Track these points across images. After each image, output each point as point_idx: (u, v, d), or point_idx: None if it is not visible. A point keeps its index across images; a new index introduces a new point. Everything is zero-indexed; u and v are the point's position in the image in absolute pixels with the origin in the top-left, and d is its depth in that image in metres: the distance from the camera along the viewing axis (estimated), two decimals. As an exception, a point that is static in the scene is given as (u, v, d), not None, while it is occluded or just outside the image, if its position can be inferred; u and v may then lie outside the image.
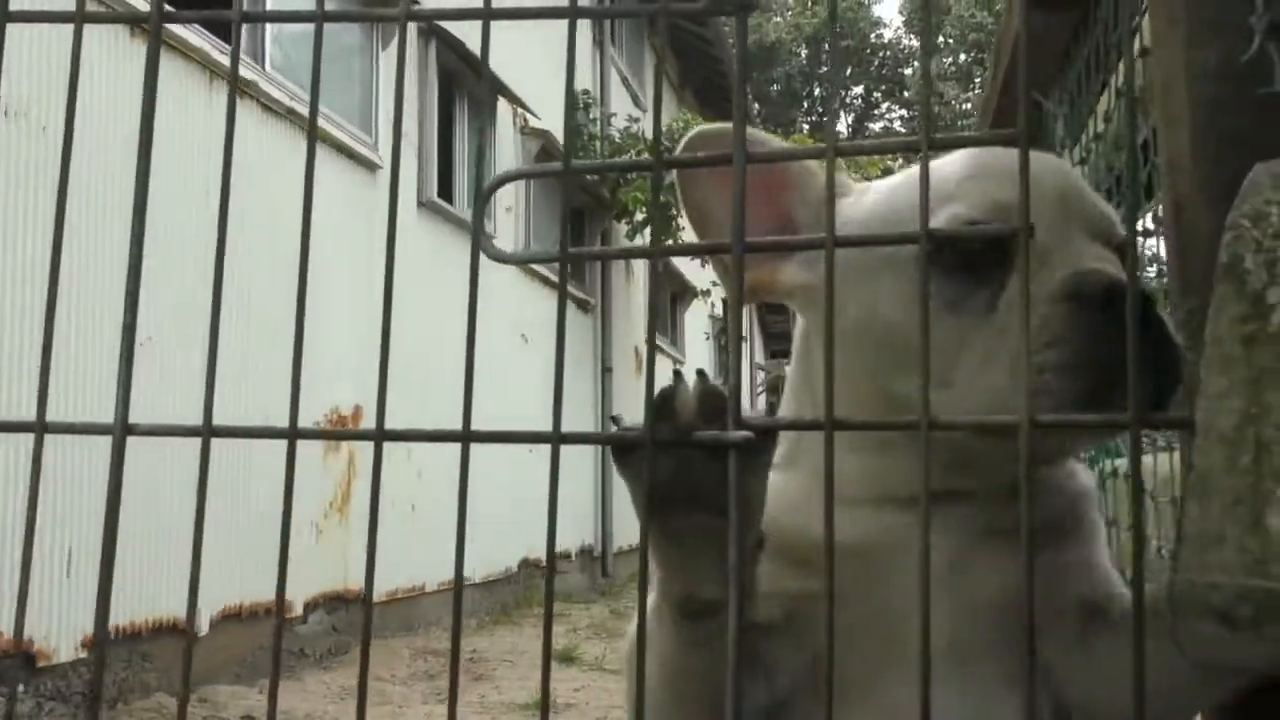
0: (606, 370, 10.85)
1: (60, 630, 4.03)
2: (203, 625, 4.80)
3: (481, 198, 0.77)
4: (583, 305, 10.61)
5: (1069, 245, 0.88)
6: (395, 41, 6.77)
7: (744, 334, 16.39)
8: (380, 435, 0.78)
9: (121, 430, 0.74)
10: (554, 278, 9.47)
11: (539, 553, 8.72)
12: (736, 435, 0.69)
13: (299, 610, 5.58)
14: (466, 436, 0.76)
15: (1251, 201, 0.67)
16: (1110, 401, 0.78)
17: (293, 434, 0.74)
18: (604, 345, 10.96)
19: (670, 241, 11.03)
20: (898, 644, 0.92)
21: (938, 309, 0.88)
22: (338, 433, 0.78)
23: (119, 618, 4.31)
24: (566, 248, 0.73)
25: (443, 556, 6.89)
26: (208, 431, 0.74)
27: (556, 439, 0.73)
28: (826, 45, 33.40)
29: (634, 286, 12.10)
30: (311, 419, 5.62)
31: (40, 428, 0.73)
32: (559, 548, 9.46)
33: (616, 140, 10.93)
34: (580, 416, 10.14)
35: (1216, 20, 0.76)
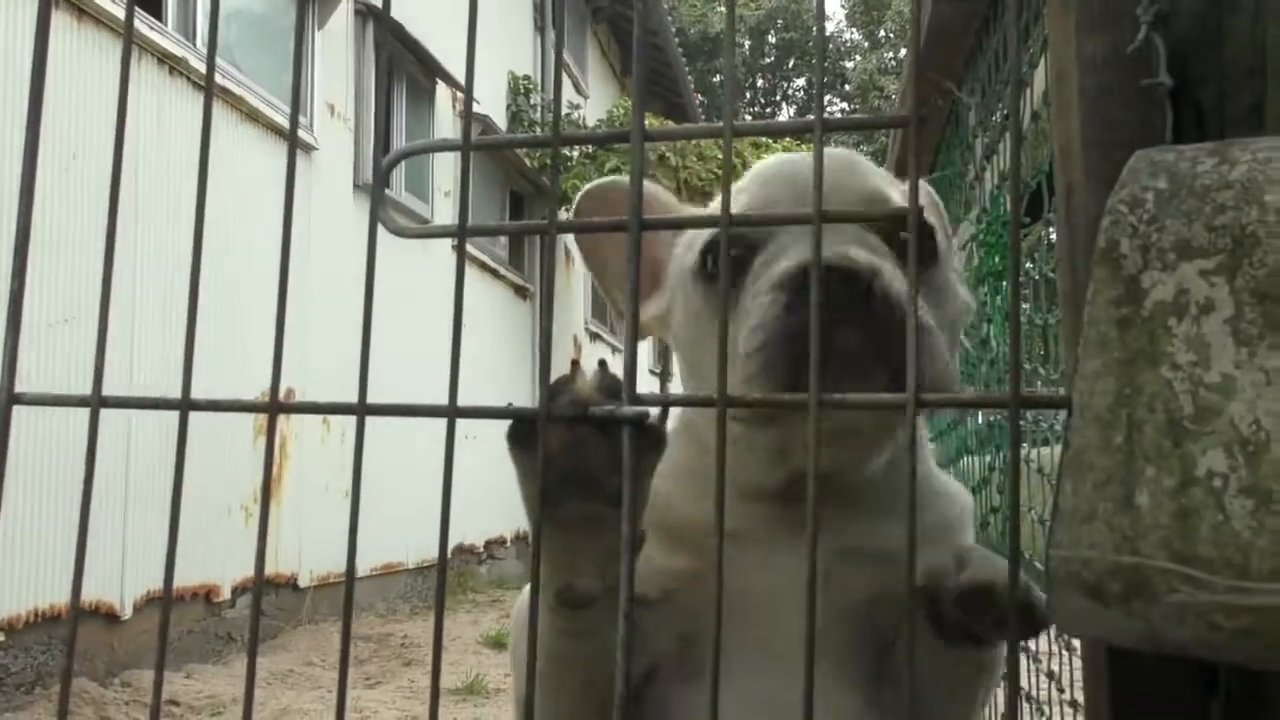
0: (545, 358, 10.81)
1: (-23, 613, 3.95)
2: (126, 609, 4.73)
3: (380, 173, 0.77)
4: (521, 292, 10.56)
5: (806, 235, 0.90)
6: (331, 22, 6.69)
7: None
8: (363, 410, 0.78)
9: (7, 399, 0.73)
10: (493, 264, 9.43)
11: (473, 538, 8.68)
12: (630, 410, 0.69)
13: (227, 594, 5.51)
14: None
15: (1129, 188, 0.69)
16: (799, 387, 0.80)
17: (185, 405, 0.74)
18: (542, 334, 10.91)
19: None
20: (759, 634, 0.95)
21: (711, 313, 0.97)
22: (318, 405, 0.77)
23: (38, 601, 4.23)
24: (465, 224, 0.73)
25: (376, 541, 6.85)
26: (97, 402, 0.73)
27: (452, 413, 0.74)
28: (768, 36, 33.55)
29: (573, 274, 12.08)
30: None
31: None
32: (494, 534, 9.43)
33: (562, 127, 10.88)
34: (519, 403, 10.10)
35: (1105, 11, 0.78)
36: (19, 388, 0.74)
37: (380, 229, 0.72)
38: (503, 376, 9.37)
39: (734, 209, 0.99)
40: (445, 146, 0.76)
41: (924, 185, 1.10)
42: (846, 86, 33.88)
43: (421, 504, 7.17)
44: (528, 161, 10.39)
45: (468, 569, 8.58)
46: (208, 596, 5.34)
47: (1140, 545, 0.65)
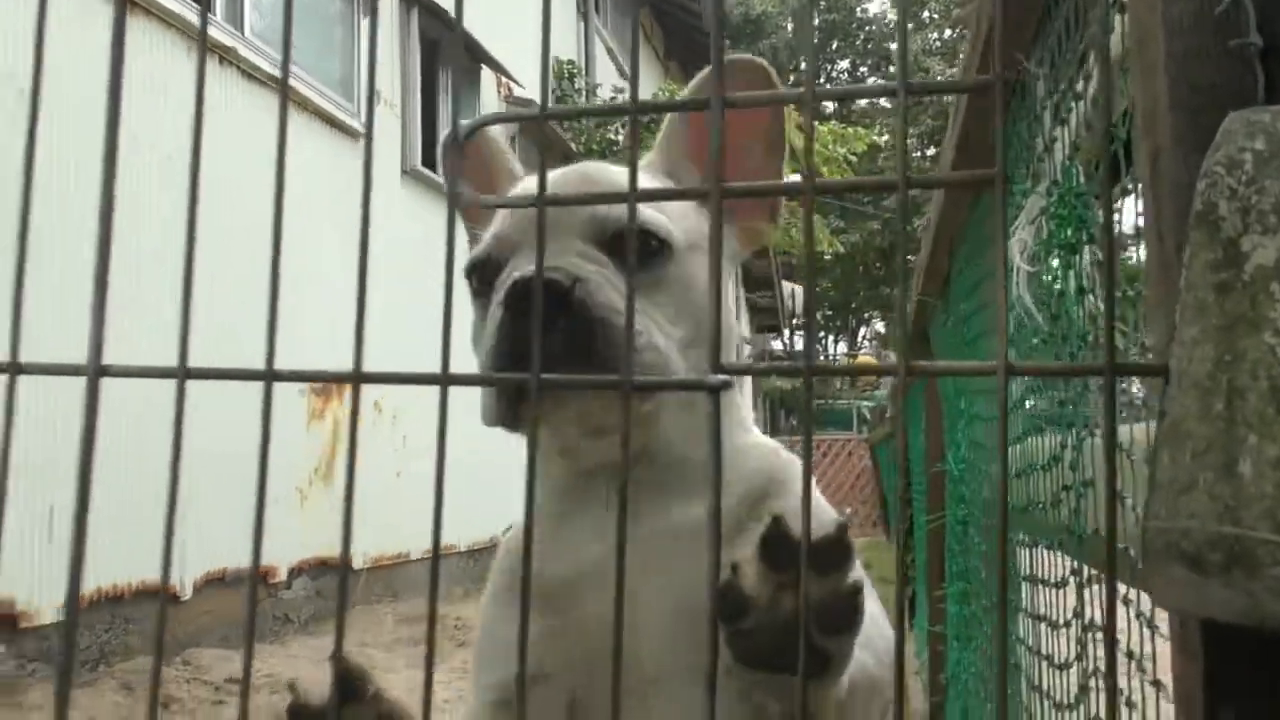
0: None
1: (42, 591, 4.03)
2: (186, 590, 4.81)
3: (457, 145, 0.76)
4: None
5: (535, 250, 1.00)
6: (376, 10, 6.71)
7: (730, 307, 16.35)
8: (358, 378, 0.78)
9: (95, 371, 0.74)
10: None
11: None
12: (715, 379, 0.69)
13: (283, 576, 5.58)
14: (357, 378, 0.76)
15: (1226, 149, 0.67)
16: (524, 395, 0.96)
17: (269, 376, 0.74)
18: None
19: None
20: (634, 671, 0.99)
21: (480, 325, 1.09)
22: (313, 374, 0.77)
23: (101, 580, 4.31)
24: (543, 195, 0.73)
25: (428, 524, 6.89)
26: (183, 374, 0.74)
27: (445, 380, 0.74)
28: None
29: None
30: (295, 387, 5.61)
31: (13, 369, 0.72)
32: (543, 517, 9.46)
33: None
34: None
35: (1194, -29, 0.76)
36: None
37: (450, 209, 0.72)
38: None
39: (490, 233, 1.12)
40: (522, 116, 0.75)
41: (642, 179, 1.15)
42: (891, 68, 33.51)
43: (474, 487, 7.21)
44: (574, 145, 10.39)
45: (517, 552, 8.63)
46: (265, 578, 5.42)
47: (1243, 515, 0.63)
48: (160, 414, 4.48)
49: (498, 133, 1.30)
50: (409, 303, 6.47)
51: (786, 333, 25.93)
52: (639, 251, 1.06)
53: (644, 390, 0.68)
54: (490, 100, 8.82)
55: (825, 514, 1.04)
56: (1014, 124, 1.48)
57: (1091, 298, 1.10)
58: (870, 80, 35.91)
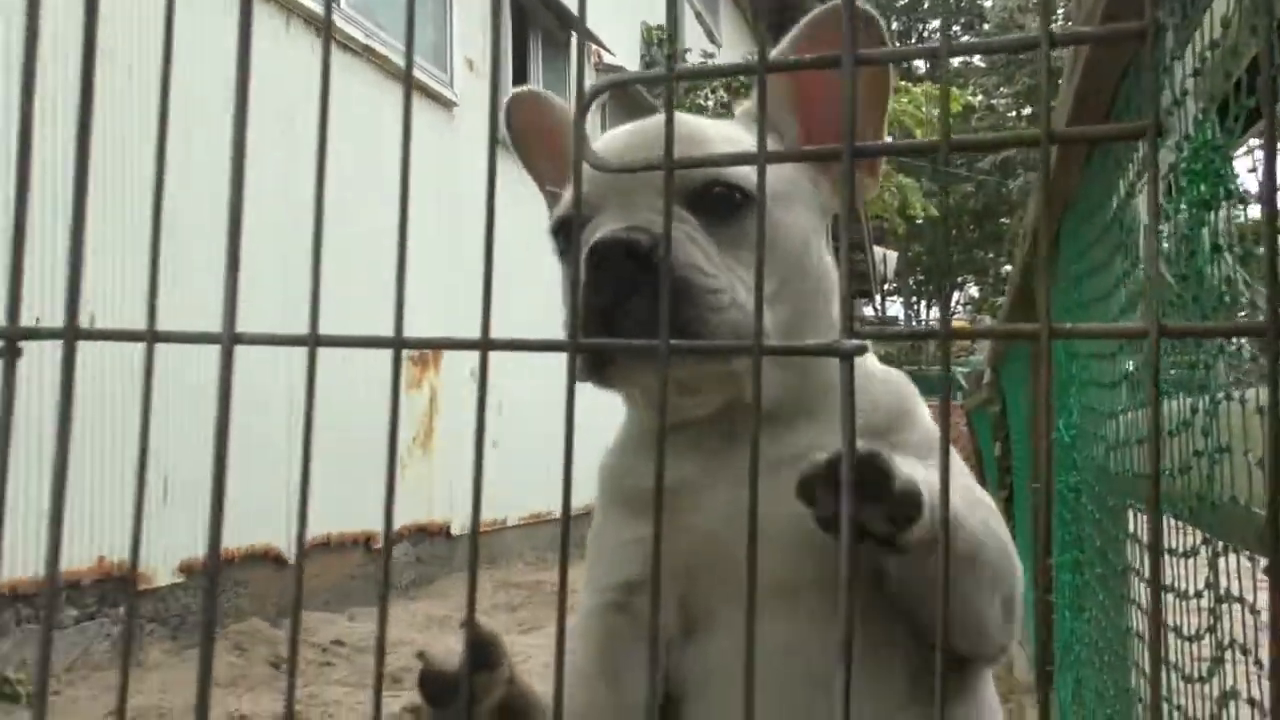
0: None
1: (159, 555, 4.16)
2: (292, 554, 4.93)
3: (583, 107, 0.76)
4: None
5: (620, 209, 1.01)
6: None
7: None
8: (399, 343, 0.78)
9: (229, 339, 0.75)
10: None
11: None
12: (849, 344, 0.67)
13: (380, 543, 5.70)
14: (485, 345, 0.76)
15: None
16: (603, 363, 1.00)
17: (399, 343, 0.75)
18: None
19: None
20: (737, 578, 0.97)
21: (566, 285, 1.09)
22: (437, 341, 0.78)
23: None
24: (671, 156, 0.72)
25: (524, 491, 6.98)
26: (314, 341, 0.75)
27: (573, 348, 0.73)
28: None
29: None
30: (391, 356, 5.69)
31: (150, 336, 0.74)
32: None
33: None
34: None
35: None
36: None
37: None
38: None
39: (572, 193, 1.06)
40: (651, 77, 0.74)
41: (733, 131, 1.12)
42: (985, 25, 32.77)
43: (562, 454, 7.24)
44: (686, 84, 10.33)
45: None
46: (367, 543, 5.53)
47: None
48: (257, 382, 4.59)
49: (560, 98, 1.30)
50: (499, 273, 6.52)
51: (878, 298, 25.62)
52: (720, 204, 1.05)
53: (773, 354, 0.67)
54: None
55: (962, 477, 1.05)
56: (1135, 75, 1.42)
57: (1228, 257, 1.06)
58: (966, 38, 35.04)
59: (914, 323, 32.58)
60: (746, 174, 1.05)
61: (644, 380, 1.06)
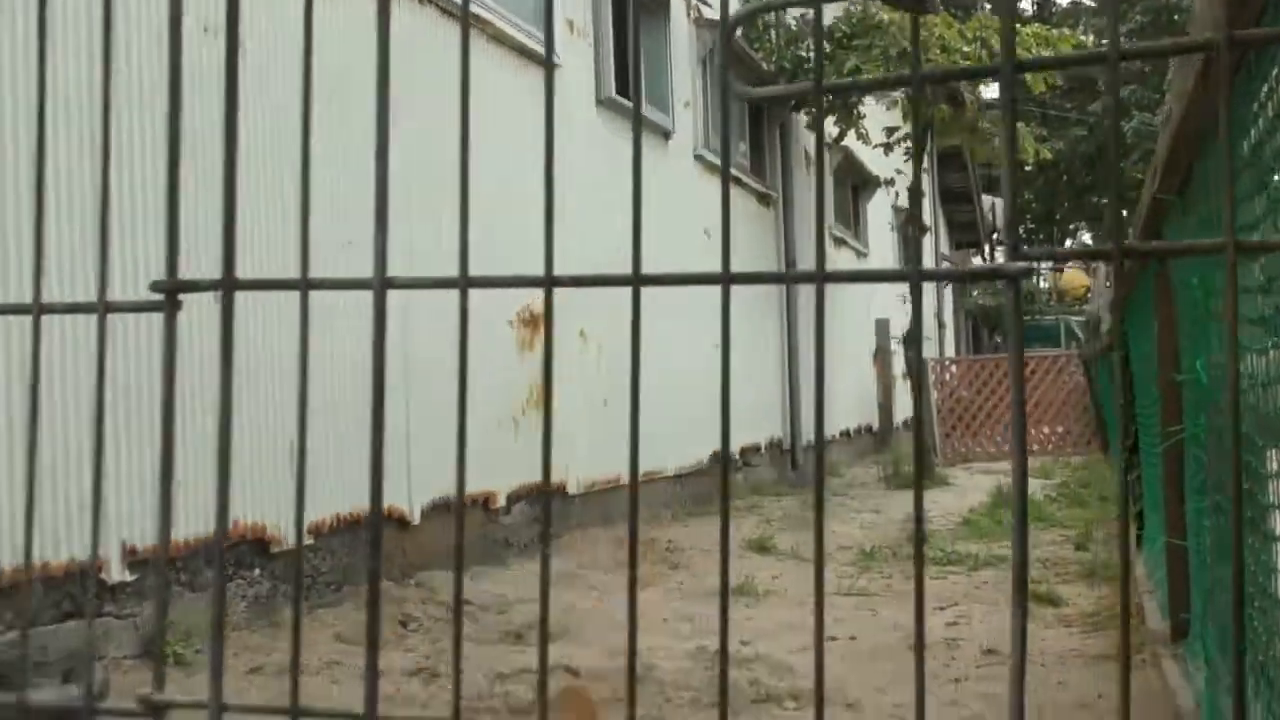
0: (790, 264, 10.73)
1: (290, 517, 4.30)
2: (415, 515, 5.05)
3: (725, 35, 0.74)
4: (764, 199, 10.46)
5: None
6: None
7: (927, 224, 15.91)
8: (549, 281, 0.78)
9: (381, 284, 0.76)
10: (735, 172, 9.36)
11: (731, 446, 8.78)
12: (1016, 265, 0.65)
13: (502, 502, 5.79)
14: (637, 280, 0.75)
15: None
16: None
17: (550, 281, 0.75)
18: (786, 240, 10.83)
19: (853, 131, 10.55)
20: None
21: None
22: (587, 278, 0.77)
23: (340, 507, 4.57)
24: (821, 80, 0.70)
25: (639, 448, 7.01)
26: (464, 282, 0.75)
27: (726, 279, 0.72)
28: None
29: (812, 176, 11.87)
30: (504, 317, 5.76)
31: (304, 284, 0.75)
32: (749, 440, 9.51)
33: (793, 29, 10.64)
34: (763, 314, 10.09)
35: None
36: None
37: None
38: (746, 288, 9.33)
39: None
40: (793, 1, 0.73)
41: None
42: (1139, 17, 31.10)
43: (680, 413, 7.29)
44: (765, 65, 10.21)
45: (723, 476, 8.69)
46: (486, 504, 5.63)
47: None
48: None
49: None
50: (602, 234, 6.54)
51: (987, 248, 25.06)
52: None
53: (932, 279, 0.65)
54: (680, 26, 8.74)
55: None
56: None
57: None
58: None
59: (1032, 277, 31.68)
60: None
61: None
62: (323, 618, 4.39)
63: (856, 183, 14.05)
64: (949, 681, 3.42)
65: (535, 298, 5.99)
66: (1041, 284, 29.22)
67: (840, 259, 12.85)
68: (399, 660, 3.87)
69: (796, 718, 3.19)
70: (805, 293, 10.77)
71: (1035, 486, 9.11)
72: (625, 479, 7.22)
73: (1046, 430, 13.16)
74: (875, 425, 13.98)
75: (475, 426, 5.12)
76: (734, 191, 9.00)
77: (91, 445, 3.60)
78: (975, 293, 24.35)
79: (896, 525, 7.29)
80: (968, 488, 9.77)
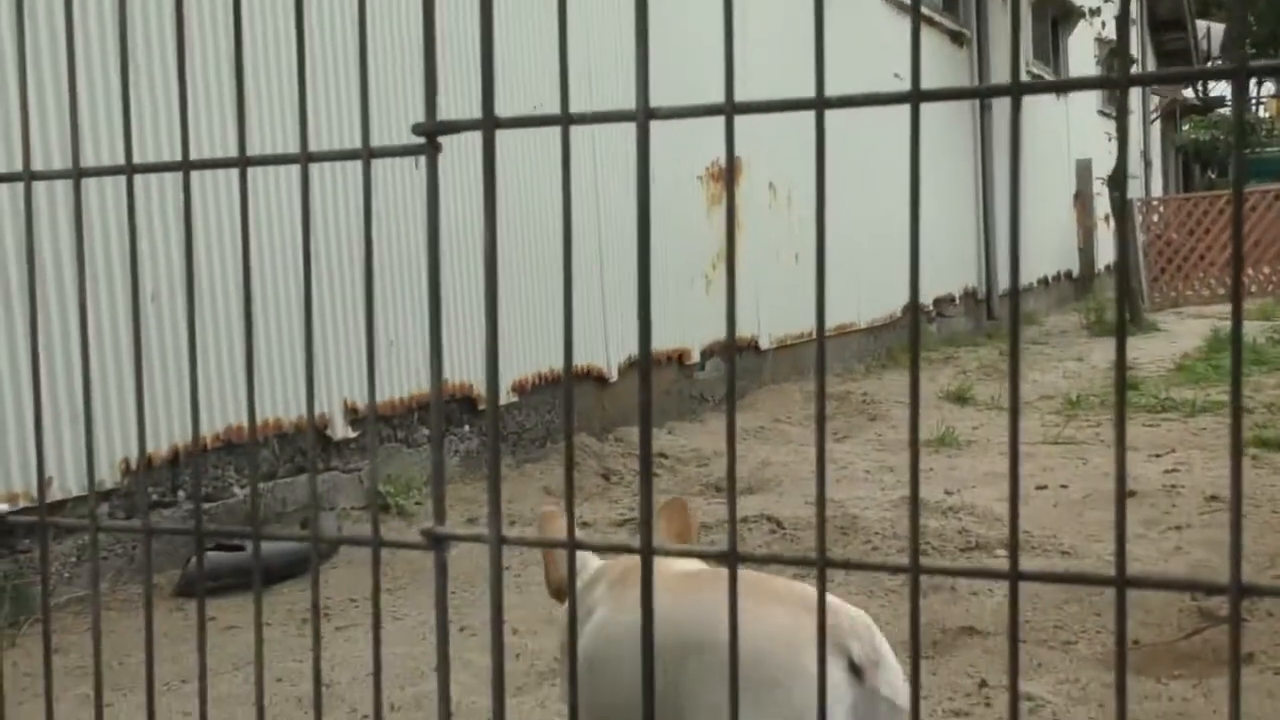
0: (985, 108, 10.25)
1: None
2: (613, 373, 5.16)
3: None
4: (957, 38, 9.96)
5: None
6: None
7: (1134, 55, 14.87)
8: (645, 115, 0.75)
9: (645, 115, 0.74)
10: (926, 11, 8.92)
11: (921, 298, 8.60)
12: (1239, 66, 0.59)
13: (696, 358, 5.85)
14: (821, 104, 0.71)
15: None
16: None
17: (730, 109, 0.72)
18: (981, 80, 10.32)
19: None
20: None
21: None
22: (776, 102, 0.74)
23: (541, 365, 4.71)
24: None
25: (830, 303, 6.93)
26: (644, 116, 0.73)
27: (916, 97, 0.67)
28: None
29: (1006, 14, 11.19)
30: (693, 172, 5.72)
31: (565, 120, 0.74)
32: (943, 290, 9.28)
33: None
34: (959, 155, 9.71)
35: None
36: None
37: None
38: (934, 120, 8.99)
39: None
40: None
41: None
42: None
43: (872, 265, 7.15)
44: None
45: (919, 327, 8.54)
46: (679, 360, 5.70)
47: None
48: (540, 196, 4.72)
49: None
50: (795, 85, 6.36)
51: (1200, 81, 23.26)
52: None
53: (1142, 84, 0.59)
54: None
55: None
56: None
57: None
58: None
59: (1251, 106, 29.45)
60: None
61: None
62: (529, 472, 4.57)
63: (1056, 15, 13.20)
64: (1170, 529, 3.31)
65: (723, 153, 5.91)
66: (1262, 113, 27.07)
67: (1038, 96, 12.20)
68: (605, 511, 4.01)
69: (1027, 573, 3.15)
70: (1001, 136, 10.29)
71: (1255, 329, 8.60)
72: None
73: (1267, 270, 12.35)
74: (1075, 271, 13.42)
75: (668, 284, 5.20)
76: (925, 31, 8.63)
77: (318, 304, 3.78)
78: (1187, 126, 22.79)
79: (1101, 373, 7.03)
80: (1179, 333, 9.31)
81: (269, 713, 2.32)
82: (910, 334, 0.69)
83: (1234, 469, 0.62)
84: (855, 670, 1.29)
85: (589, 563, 1.69)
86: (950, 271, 9.34)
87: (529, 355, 4.65)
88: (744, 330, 6.28)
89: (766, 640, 1.28)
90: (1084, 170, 12.93)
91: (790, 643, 1.27)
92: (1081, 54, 14.63)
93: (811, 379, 6.80)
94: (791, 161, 6.07)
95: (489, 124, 0.72)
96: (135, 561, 3.15)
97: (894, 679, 1.35)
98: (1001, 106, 10.65)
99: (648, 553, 0.81)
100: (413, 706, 2.33)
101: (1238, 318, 0.64)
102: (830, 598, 1.45)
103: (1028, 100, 11.85)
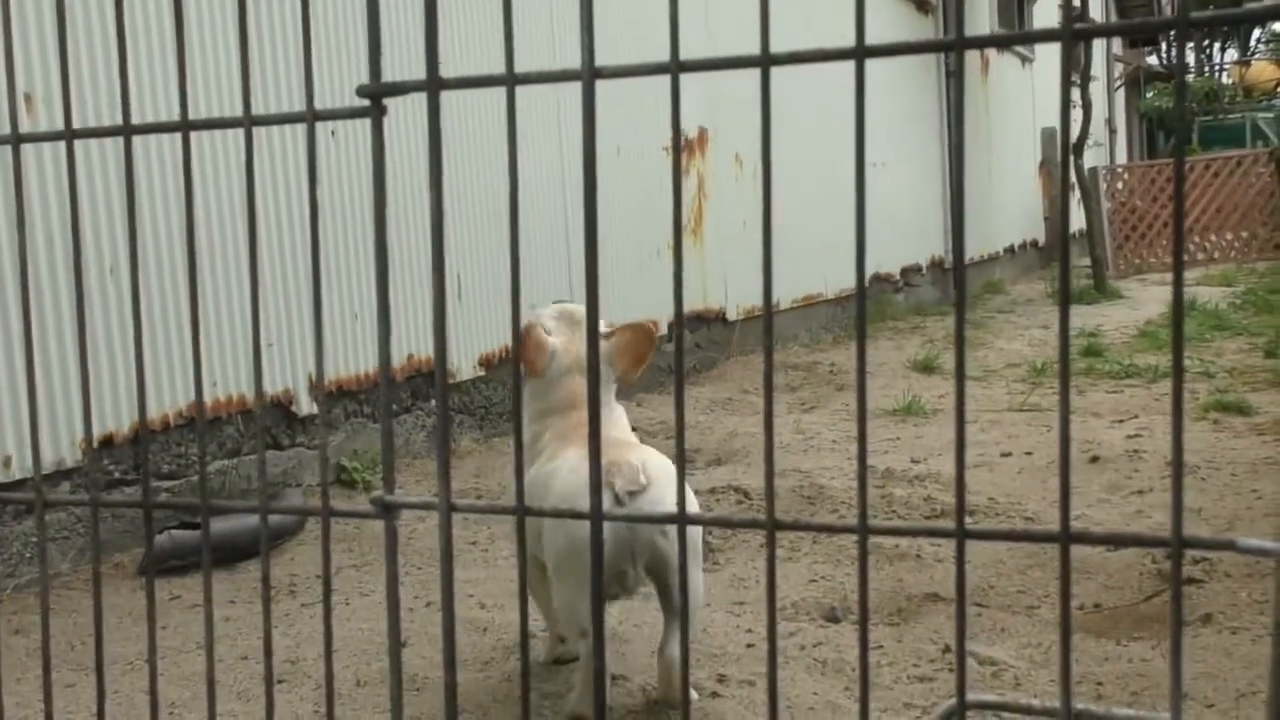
0: (950, 74, 10.25)
1: (460, 351, 4.44)
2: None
3: None
4: (922, 6, 9.96)
5: None
6: None
7: (1096, 17, 14.88)
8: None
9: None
10: (889, -22, 8.90)
11: (888, 267, 8.63)
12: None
13: (664, 330, 5.84)
14: (766, 60, 0.71)
15: None
16: None
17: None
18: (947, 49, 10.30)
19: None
20: None
21: None
22: (722, 60, 0.74)
23: (508, 339, 4.69)
24: None
25: (795, 274, 6.96)
26: (676, 69, 0.73)
27: (860, 53, 0.67)
28: None
29: (975, -21, 11.20)
30: (659, 144, 5.69)
31: (510, 80, 0.73)
32: (910, 260, 9.31)
33: None
34: (925, 125, 9.73)
35: None
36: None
37: None
38: (901, 89, 8.99)
39: None
40: None
41: None
42: None
43: (839, 235, 7.16)
44: None
45: (885, 297, 8.57)
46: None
47: None
48: (548, 165, 4.70)
49: None
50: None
51: (1163, 44, 23.42)
52: None
53: (1097, 35, 0.58)
54: None
55: None
56: None
57: None
58: None
59: (1205, 69, 29.64)
60: None
61: None
62: (497, 446, 4.56)
63: (1021, -17, 13.22)
64: (1133, 494, 3.35)
65: (687, 122, 5.89)
66: (1225, 79, 27.25)
67: (1004, 64, 12.23)
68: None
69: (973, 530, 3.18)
70: (969, 109, 10.29)
71: (1217, 294, 8.69)
72: (784, 303, 7.19)
73: (1230, 236, 12.47)
74: (1041, 240, 13.50)
75: (633, 255, 5.19)
76: (892, 6, 8.55)
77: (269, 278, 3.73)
78: (1151, 94, 22.90)
79: (1067, 341, 7.08)
80: (1142, 299, 9.39)
81: (236, 689, 2.31)
82: (856, 290, 0.69)
83: (1175, 425, 0.62)
84: (617, 500, 1.84)
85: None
86: (918, 241, 9.37)
87: (496, 329, 4.64)
88: (712, 301, 6.28)
89: (577, 483, 1.90)
90: (1049, 139, 12.99)
91: (581, 483, 1.77)
92: (1047, 20, 14.66)
93: (778, 349, 6.82)
94: (758, 133, 6.06)
95: (434, 85, 0.71)
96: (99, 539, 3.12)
97: (659, 495, 1.86)
98: (971, 72, 10.66)
99: (597, 519, 0.80)
100: (379, 681, 2.33)
101: (1178, 274, 0.64)
102: (628, 441, 2.10)
103: (993, 69, 11.87)
